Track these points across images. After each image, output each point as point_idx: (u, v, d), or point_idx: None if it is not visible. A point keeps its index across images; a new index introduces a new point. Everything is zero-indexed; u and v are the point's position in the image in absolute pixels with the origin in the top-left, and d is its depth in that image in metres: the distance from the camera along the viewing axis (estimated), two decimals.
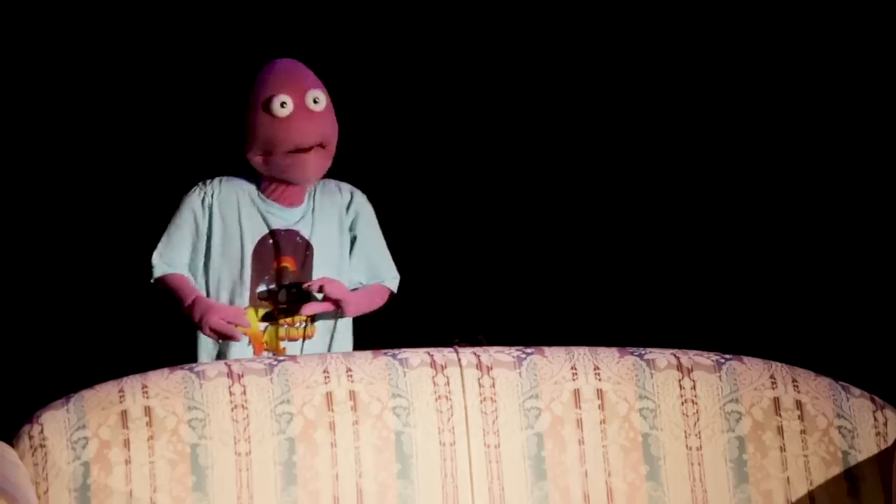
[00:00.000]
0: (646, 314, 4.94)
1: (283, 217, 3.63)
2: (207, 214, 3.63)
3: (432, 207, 5.01)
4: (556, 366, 2.81)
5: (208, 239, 3.64)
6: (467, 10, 5.06)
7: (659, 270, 5.05)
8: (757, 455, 2.76)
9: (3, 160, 4.96)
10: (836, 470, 2.75)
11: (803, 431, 2.77)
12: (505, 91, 5.10)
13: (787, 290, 4.98)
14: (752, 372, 2.82)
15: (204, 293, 3.63)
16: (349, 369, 2.78)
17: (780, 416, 2.78)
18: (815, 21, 4.96)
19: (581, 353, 2.83)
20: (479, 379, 2.79)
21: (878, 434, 2.78)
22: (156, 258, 3.64)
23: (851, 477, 2.75)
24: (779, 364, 2.85)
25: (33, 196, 4.99)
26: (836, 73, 4.97)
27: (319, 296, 3.58)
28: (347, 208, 3.71)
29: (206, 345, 3.65)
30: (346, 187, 3.74)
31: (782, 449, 2.76)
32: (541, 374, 2.79)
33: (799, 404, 2.79)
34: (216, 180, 3.67)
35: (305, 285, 3.59)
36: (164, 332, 4.68)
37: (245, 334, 3.58)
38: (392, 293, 3.77)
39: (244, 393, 2.73)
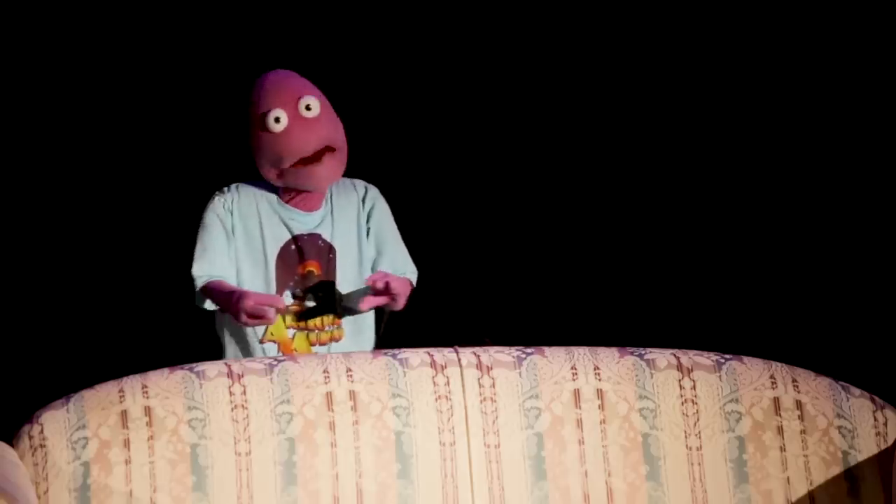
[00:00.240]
0: (646, 314, 4.94)
1: (304, 222, 3.61)
2: (230, 219, 3.60)
3: (432, 208, 5.00)
4: (556, 366, 2.81)
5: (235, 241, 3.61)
6: (485, 8, 5.06)
7: (658, 270, 5.05)
8: (757, 455, 2.76)
9: (4, 162, 4.96)
10: (836, 470, 2.75)
11: (803, 431, 2.77)
12: (505, 92, 5.10)
13: (787, 291, 4.97)
14: (752, 372, 2.82)
15: None
16: (349, 369, 2.78)
17: (780, 416, 2.78)
18: (816, 21, 4.96)
19: (581, 353, 2.83)
20: (479, 379, 2.79)
21: (878, 434, 2.78)
22: (196, 270, 3.54)
23: (851, 477, 2.75)
24: (779, 364, 2.85)
25: (33, 197, 4.99)
26: (835, 73, 4.97)
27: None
28: (363, 201, 3.69)
29: (231, 348, 3.61)
30: (360, 183, 3.73)
31: (782, 449, 2.76)
32: (541, 374, 2.79)
33: (799, 404, 2.79)
34: (233, 187, 3.64)
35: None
36: (165, 332, 4.70)
37: (274, 341, 3.56)
38: (413, 288, 3.74)
39: (244, 393, 2.73)
